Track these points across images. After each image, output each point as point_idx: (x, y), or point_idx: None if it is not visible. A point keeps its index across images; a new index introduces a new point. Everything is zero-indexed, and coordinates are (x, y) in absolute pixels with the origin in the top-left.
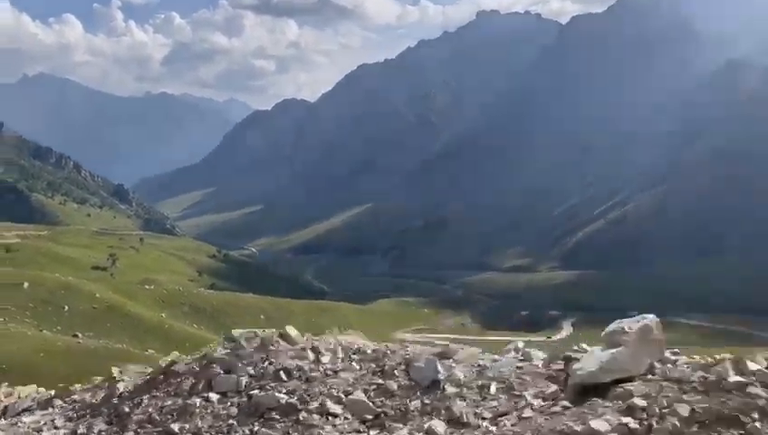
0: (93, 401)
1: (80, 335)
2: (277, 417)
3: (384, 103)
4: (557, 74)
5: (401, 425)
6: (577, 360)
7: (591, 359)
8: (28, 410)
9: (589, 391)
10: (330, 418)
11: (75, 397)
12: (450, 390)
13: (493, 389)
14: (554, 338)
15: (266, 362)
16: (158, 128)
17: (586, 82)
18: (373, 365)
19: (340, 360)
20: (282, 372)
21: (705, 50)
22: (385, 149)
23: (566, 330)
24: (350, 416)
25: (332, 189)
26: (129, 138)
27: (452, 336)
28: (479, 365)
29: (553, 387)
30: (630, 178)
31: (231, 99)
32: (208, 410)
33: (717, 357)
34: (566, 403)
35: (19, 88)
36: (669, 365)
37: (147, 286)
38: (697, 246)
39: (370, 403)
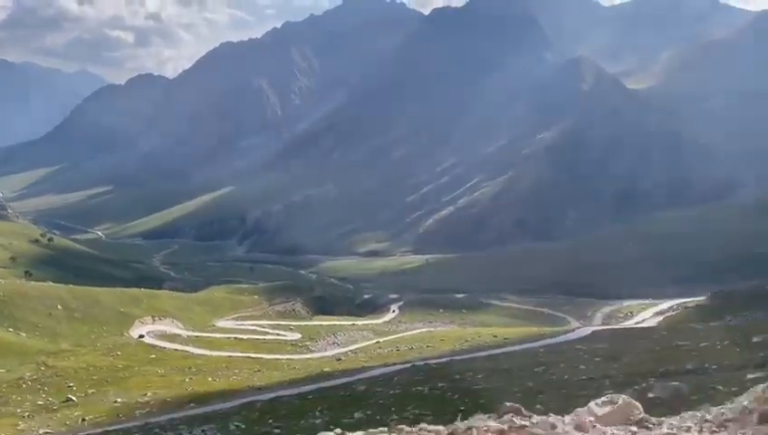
0: None
1: None
2: None
3: (246, 84)
4: (418, 63)
5: None
6: None
7: None
8: None
9: None
10: None
11: None
12: None
13: None
14: (379, 321)
15: None
16: None
17: (445, 72)
18: None
19: None
20: None
21: (551, 46)
22: (246, 131)
23: (393, 312)
24: None
25: (189, 171)
26: None
27: (274, 322)
28: None
29: None
30: (480, 166)
31: (82, 70)
32: None
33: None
34: None
35: None
36: None
37: None
38: (532, 230)
39: None
